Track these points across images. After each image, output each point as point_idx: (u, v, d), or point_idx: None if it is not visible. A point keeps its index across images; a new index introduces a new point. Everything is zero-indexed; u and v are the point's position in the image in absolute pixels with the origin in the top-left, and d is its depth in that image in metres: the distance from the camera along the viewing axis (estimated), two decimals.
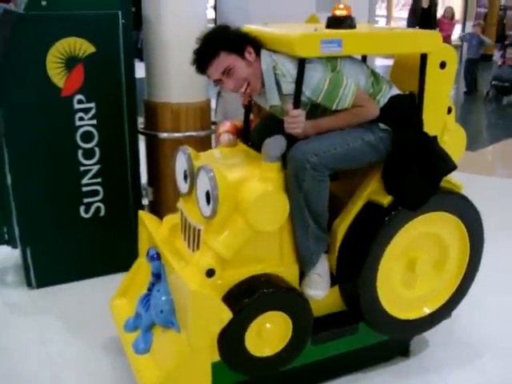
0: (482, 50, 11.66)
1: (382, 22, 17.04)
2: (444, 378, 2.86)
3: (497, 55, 11.64)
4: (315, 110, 2.45)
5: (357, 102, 2.38)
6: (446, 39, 11.06)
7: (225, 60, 2.37)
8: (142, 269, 2.84)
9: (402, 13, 18.58)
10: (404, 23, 16.53)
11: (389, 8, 18.91)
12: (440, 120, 2.65)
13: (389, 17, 18.65)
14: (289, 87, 2.36)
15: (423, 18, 12.92)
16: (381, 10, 18.74)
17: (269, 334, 2.39)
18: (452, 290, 2.80)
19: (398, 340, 2.91)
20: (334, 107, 2.38)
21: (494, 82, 10.67)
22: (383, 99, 2.48)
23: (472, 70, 11.04)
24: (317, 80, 2.32)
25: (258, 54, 2.42)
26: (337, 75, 2.36)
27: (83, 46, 3.27)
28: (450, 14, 13.39)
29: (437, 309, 2.78)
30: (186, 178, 2.54)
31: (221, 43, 2.37)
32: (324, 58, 2.35)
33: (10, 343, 3.03)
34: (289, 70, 2.34)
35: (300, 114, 2.32)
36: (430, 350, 3.04)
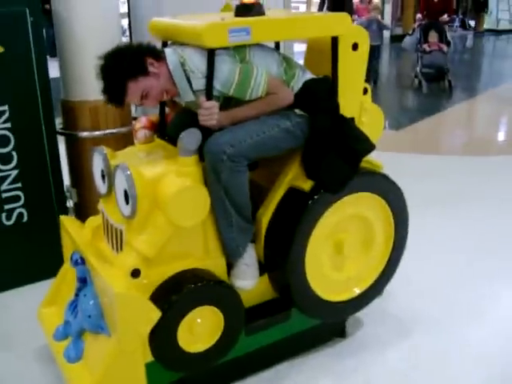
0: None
1: (302, 8, 16.94)
2: (379, 357, 2.89)
3: (408, 40, 11.05)
4: (230, 101, 2.41)
5: (270, 89, 2.36)
6: None
7: (135, 87, 2.29)
8: (68, 274, 2.76)
9: None
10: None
11: None
12: (356, 101, 2.67)
13: (308, 3, 18.52)
14: (199, 83, 2.31)
15: (335, 4, 12.68)
16: None
17: (201, 329, 2.37)
18: (381, 269, 2.83)
19: (334, 322, 2.93)
20: (247, 98, 2.36)
21: (424, 70, 10.02)
22: (297, 85, 2.47)
23: (373, 57, 9.47)
24: (226, 73, 2.28)
25: (161, 57, 2.35)
26: (246, 65, 2.32)
27: None
28: None
29: (367, 289, 2.81)
30: (104, 178, 2.47)
31: (123, 74, 2.27)
32: (232, 49, 2.31)
33: None
34: (197, 65, 2.28)
35: (213, 105, 2.28)
36: (365, 329, 3.08)
